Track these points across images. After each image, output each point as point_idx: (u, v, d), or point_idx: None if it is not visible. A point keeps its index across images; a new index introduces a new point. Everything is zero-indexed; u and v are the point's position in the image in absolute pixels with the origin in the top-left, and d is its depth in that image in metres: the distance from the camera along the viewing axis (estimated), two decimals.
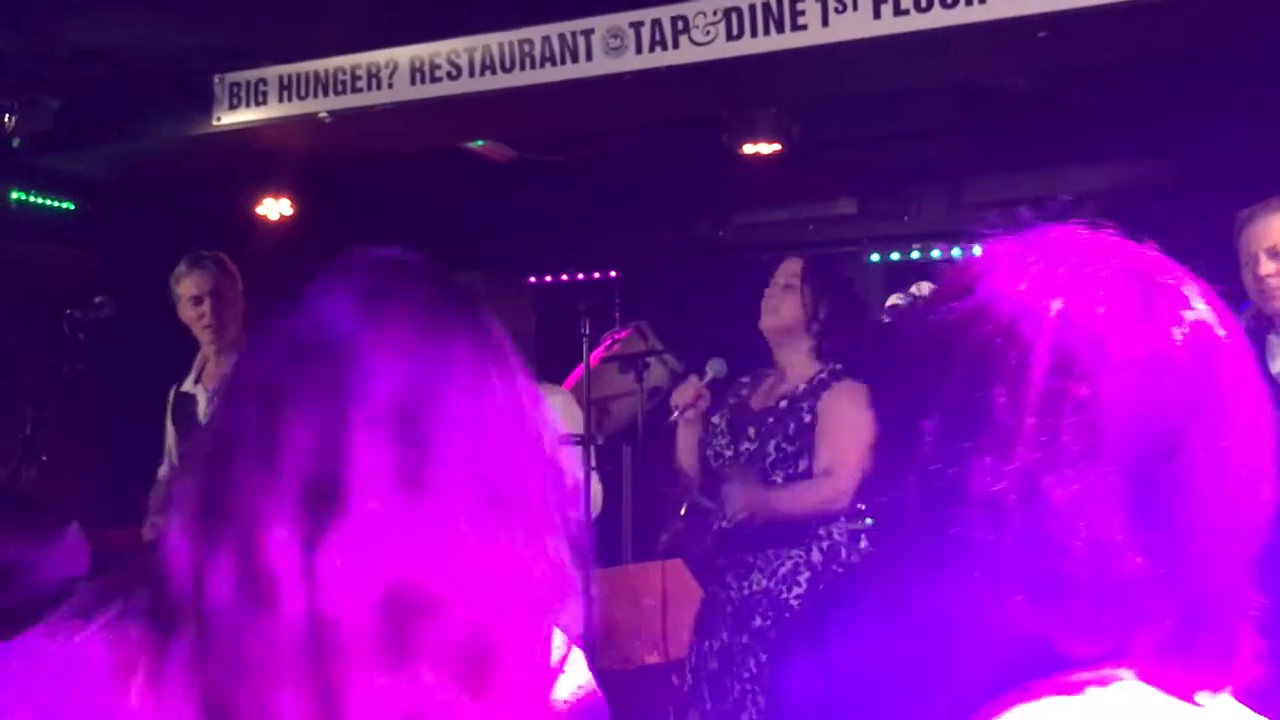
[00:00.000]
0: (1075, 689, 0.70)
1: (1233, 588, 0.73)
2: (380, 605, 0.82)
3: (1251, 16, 3.46)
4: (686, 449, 3.28)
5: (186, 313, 3.88)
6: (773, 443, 3.11)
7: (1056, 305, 0.74)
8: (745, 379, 3.36)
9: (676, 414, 3.21)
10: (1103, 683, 0.70)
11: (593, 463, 3.72)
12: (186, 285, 3.86)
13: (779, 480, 3.10)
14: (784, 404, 3.18)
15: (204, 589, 0.82)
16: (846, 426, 3.06)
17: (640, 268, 6.91)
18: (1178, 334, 0.73)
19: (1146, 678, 0.71)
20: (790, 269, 3.23)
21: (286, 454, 0.84)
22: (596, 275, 6.98)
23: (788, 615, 3.05)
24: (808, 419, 3.11)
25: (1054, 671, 0.71)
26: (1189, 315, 0.74)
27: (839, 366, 3.17)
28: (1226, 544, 0.72)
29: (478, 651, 0.84)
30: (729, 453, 3.21)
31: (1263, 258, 2.91)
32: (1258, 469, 0.73)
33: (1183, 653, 0.71)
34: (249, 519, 0.83)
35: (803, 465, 3.11)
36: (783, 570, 3.09)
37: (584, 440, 3.31)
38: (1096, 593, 0.70)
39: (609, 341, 6.21)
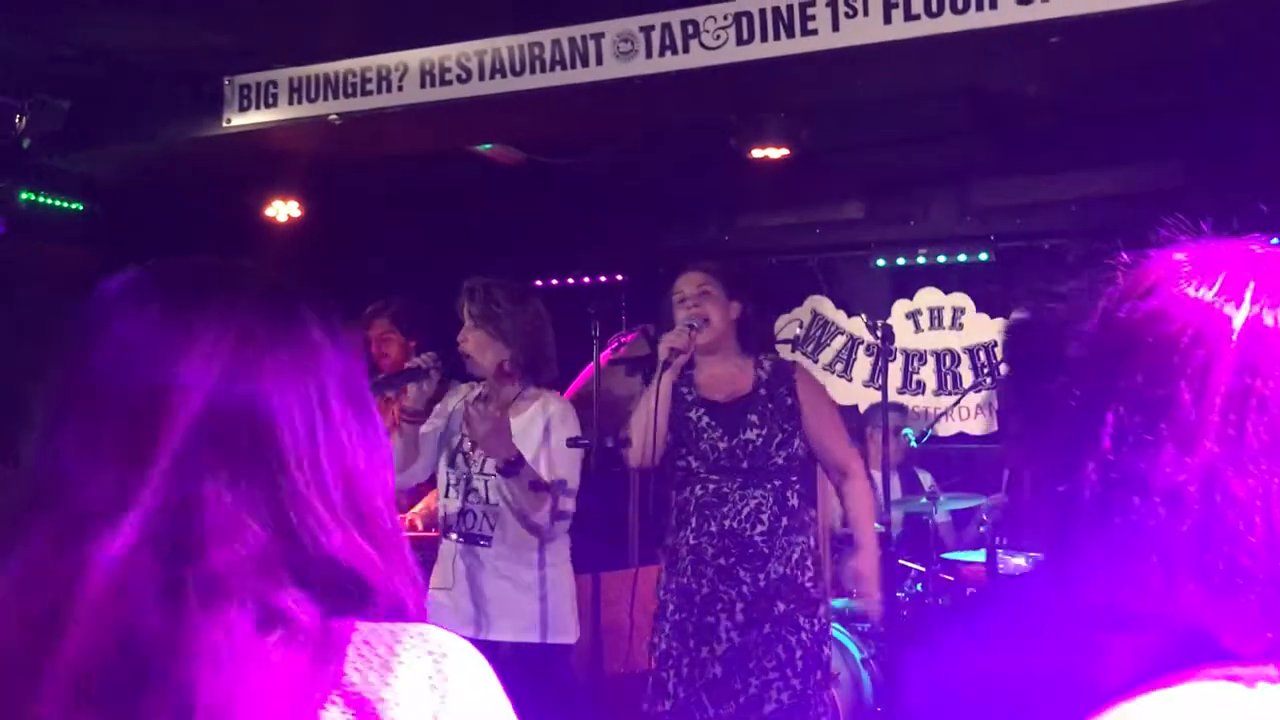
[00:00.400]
0: (1243, 681, 0.72)
1: None
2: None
3: (1261, 20, 3.46)
4: (664, 405, 3.28)
5: None
6: (777, 426, 3.31)
7: (1245, 309, 0.77)
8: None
9: (668, 358, 3.22)
10: (1271, 680, 0.73)
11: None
12: None
13: (780, 461, 3.29)
14: (762, 391, 3.36)
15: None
16: (829, 413, 3.47)
17: (647, 271, 6.90)
18: None
19: None
20: (696, 280, 3.35)
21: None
22: (603, 279, 6.98)
23: (805, 598, 3.24)
24: (790, 402, 3.34)
25: (1213, 663, 0.73)
26: None
27: (775, 354, 3.41)
28: None
29: None
30: (724, 444, 3.28)
31: None
32: None
33: None
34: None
35: (796, 444, 3.34)
36: (795, 556, 3.26)
37: (590, 443, 3.30)
38: (1268, 586, 0.72)
39: (615, 344, 6.23)
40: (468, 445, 3.45)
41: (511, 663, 3.39)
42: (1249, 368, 0.75)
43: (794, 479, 3.34)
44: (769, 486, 3.28)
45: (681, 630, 3.24)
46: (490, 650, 3.57)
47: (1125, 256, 0.88)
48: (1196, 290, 0.79)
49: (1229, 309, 0.77)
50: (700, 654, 3.20)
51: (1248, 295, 0.78)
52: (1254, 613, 0.73)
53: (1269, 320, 0.77)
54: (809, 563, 3.30)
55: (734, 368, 3.41)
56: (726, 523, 3.24)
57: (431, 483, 3.68)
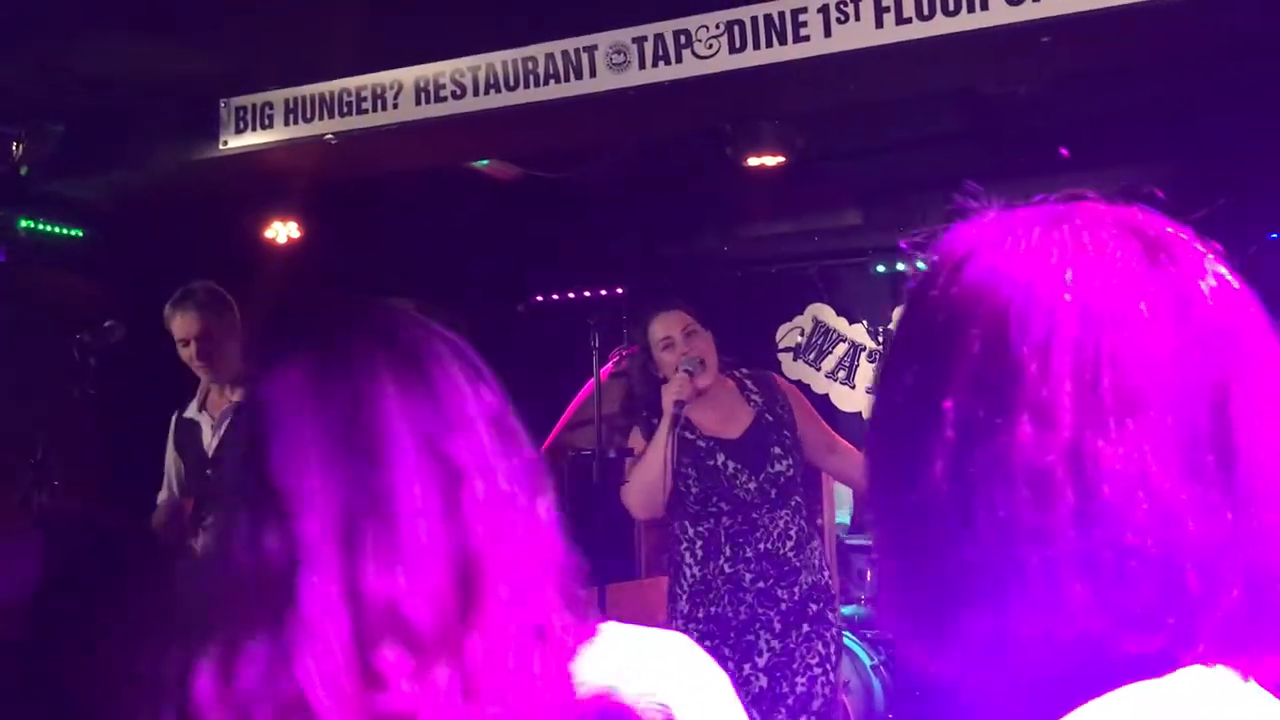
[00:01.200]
0: (1150, 677, 0.65)
1: None
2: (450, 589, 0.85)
3: (1258, 16, 3.46)
4: (671, 457, 3.24)
5: (179, 351, 3.87)
6: (798, 453, 3.37)
7: (1070, 261, 0.70)
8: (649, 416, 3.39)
9: (676, 411, 3.21)
10: (1176, 670, 0.65)
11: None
12: (174, 327, 3.85)
13: (799, 479, 3.36)
14: (769, 417, 3.37)
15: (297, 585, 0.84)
16: (809, 407, 3.55)
17: (647, 283, 6.91)
18: (1202, 283, 0.70)
19: (1221, 661, 0.66)
20: (679, 321, 3.33)
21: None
22: (603, 292, 6.99)
23: (829, 595, 3.36)
24: (788, 418, 3.41)
25: (1122, 669, 0.65)
26: (1207, 264, 0.71)
27: (742, 367, 3.49)
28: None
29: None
30: (753, 483, 3.28)
31: None
32: None
33: (1257, 630, 0.66)
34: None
35: (801, 453, 3.43)
36: (816, 561, 3.35)
37: (591, 454, 3.31)
38: (1165, 564, 0.64)
39: (617, 357, 6.22)
40: None
41: None
42: (1092, 321, 0.67)
43: (803, 488, 3.41)
44: (793, 503, 3.33)
45: (718, 654, 3.22)
46: None
47: (918, 238, 0.79)
48: (1016, 251, 0.72)
49: (1054, 263, 0.70)
50: (743, 671, 3.22)
51: (1068, 246, 0.71)
52: (1152, 601, 0.64)
53: (1099, 267, 0.69)
54: (825, 563, 3.41)
55: (726, 397, 3.41)
56: (762, 546, 3.27)
57: None
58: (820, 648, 3.26)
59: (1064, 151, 5.22)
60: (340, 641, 0.81)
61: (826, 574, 3.39)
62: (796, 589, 3.27)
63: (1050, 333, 0.68)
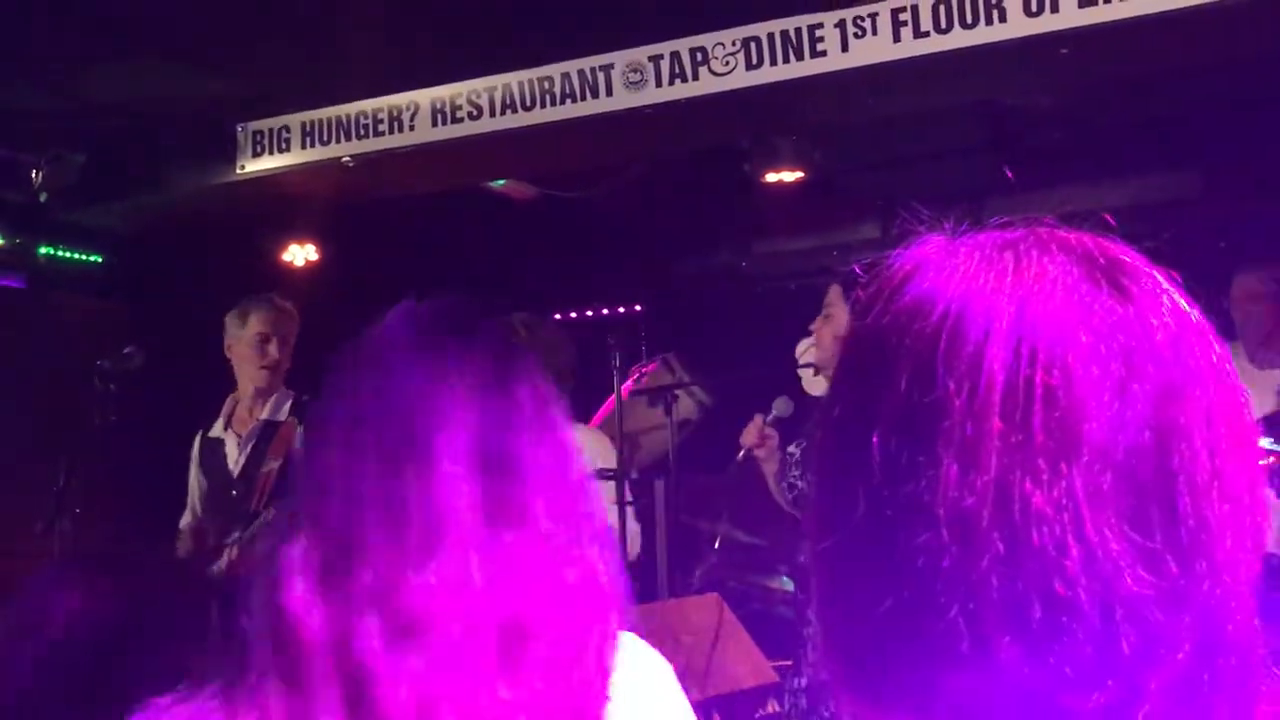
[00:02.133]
0: None
1: (1245, 607, 0.62)
2: (497, 630, 0.89)
3: (1274, 23, 3.43)
4: (774, 488, 3.27)
5: (243, 350, 3.89)
6: None
7: (1008, 289, 0.64)
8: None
9: (741, 454, 3.19)
10: None
11: (629, 497, 3.72)
12: (254, 323, 3.89)
13: None
14: None
15: (351, 649, 0.86)
16: None
17: (665, 300, 6.90)
18: (1155, 317, 0.63)
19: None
20: (831, 296, 3.22)
21: (402, 509, 0.90)
22: (621, 310, 6.97)
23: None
24: None
25: None
26: (1162, 297, 0.65)
27: None
28: (1234, 552, 0.61)
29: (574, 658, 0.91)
30: (803, 484, 3.20)
31: None
32: (1248, 464, 0.63)
33: (1202, 687, 0.60)
34: (380, 575, 0.88)
35: None
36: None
37: (618, 475, 3.28)
38: (1100, 619, 0.58)
39: (636, 375, 6.20)
40: None
41: None
42: (1025, 356, 0.61)
43: None
44: None
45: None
46: None
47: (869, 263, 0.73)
48: (952, 278, 0.66)
49: (991, 289, 0.64)
50: (791, 686, 3.18)
51: (1009, 272, 0.65)
52: (1087, 659, 0.58)
53: (1039, 296, 0.63)
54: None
55: None
56: None
57: None
58: None
59: (1009, 173, 5.19)
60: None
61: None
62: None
63: (978, 365, 0.62)
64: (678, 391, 4.76)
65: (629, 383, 5.89)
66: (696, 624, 4.20)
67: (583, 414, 5.53)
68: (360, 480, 0.92)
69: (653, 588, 5.23)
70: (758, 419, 3.20)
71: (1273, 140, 5.10)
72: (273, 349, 3.87)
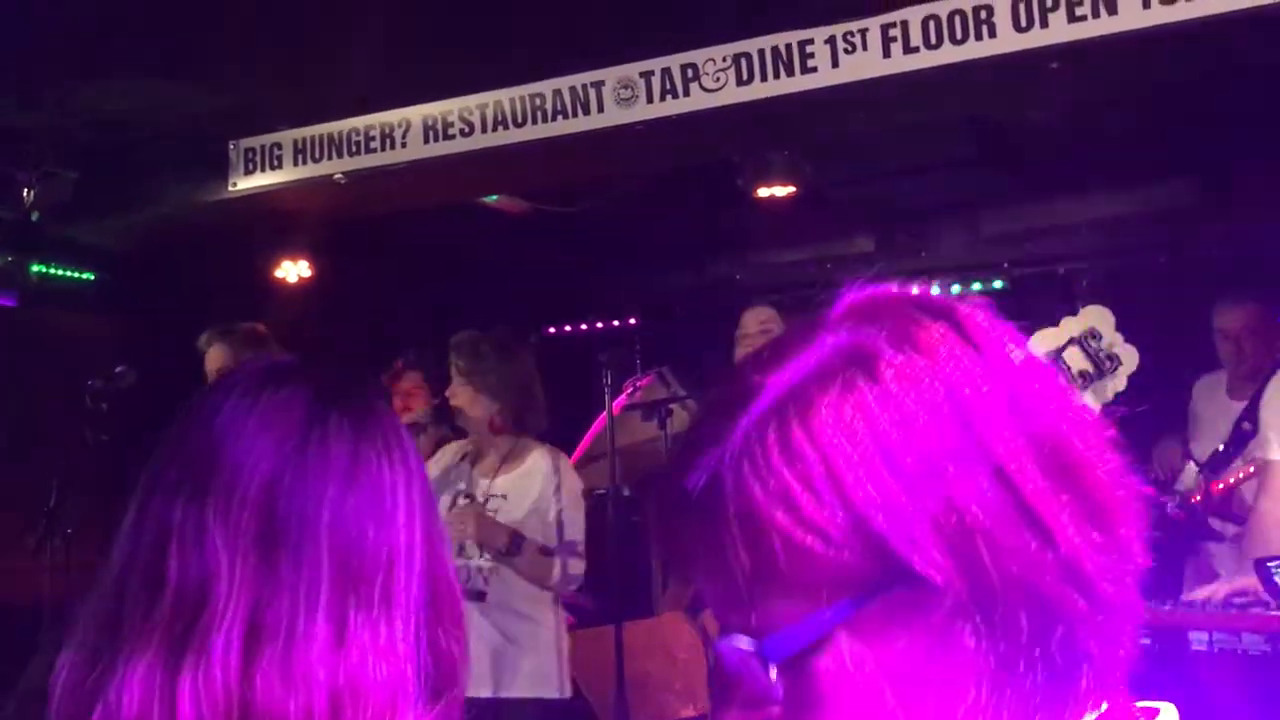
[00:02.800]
0: None
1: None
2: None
3: (1267, 36, 3.44)
4: None
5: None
6: None
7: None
8: None
9: None
10: None
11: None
12: (211, 357, 3.87)
13: None
14: None
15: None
16: None
17: (659, 313, 6.90)
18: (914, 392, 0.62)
19: None
20: (760, 316, 3.20)
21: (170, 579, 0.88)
22: (616, 323, 6.97)
23: None
24: None
25: None
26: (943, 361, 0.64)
27: None
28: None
29: None
30: None
31: None
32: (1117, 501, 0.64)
33: None
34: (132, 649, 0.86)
35: None
36: None
37: (605, 493, 3.27)
38: None
39: (630, 389, 6.19)
40: (461, 498, 3.46)
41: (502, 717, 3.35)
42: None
43: None
44: None
45: None
46: (488, 707, 3.43)
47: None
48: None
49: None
50: None
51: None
52: None
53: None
54: None
55: None
56: None
57: None
58: None
59: None
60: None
61: None
62: None
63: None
64: (672, 405, 4.74)
65: (623, 397, 5.88)
66: (691, 640, 4.19)
67: (576, 429, 5.52)
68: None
69: (648, 604, 5.22)
70: None
71: (1265, 148, 5.12)
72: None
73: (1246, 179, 5.33)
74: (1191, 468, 4.39)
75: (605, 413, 5.23)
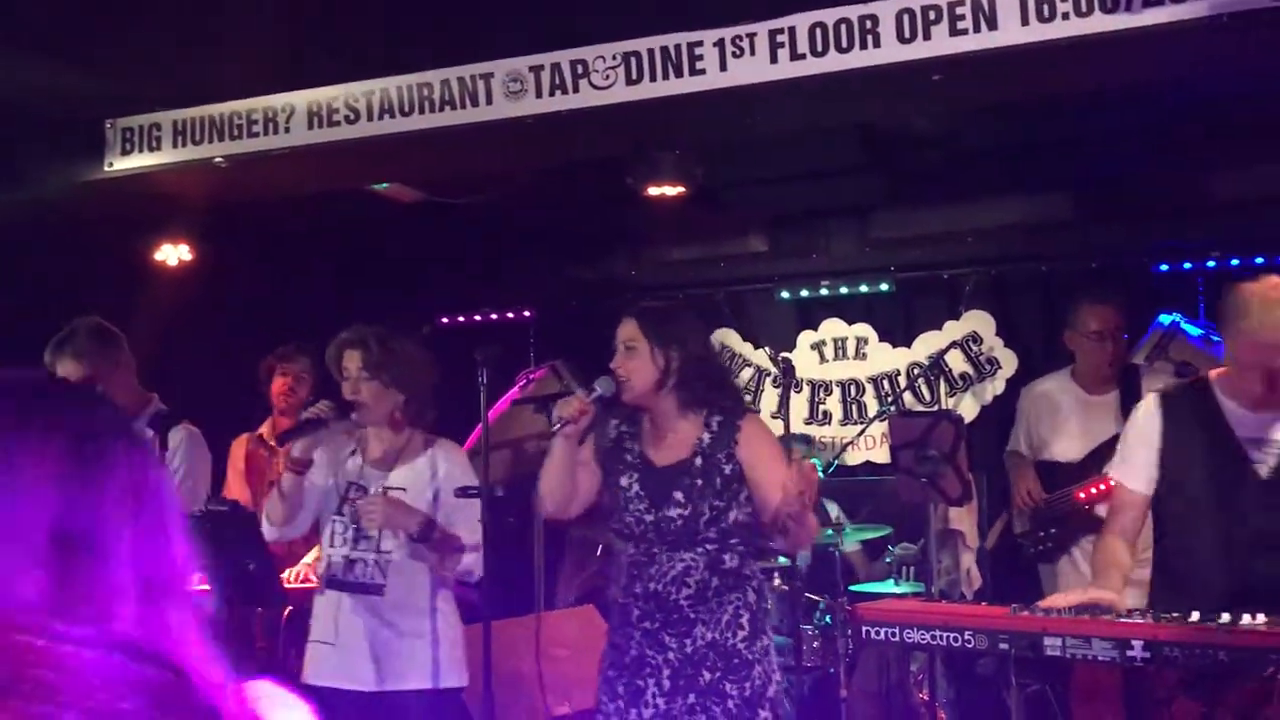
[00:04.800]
0: None
1: None
2: None
3: (1142, 57, 3.54)
4: (559, 467, 3.14)
5: None
6: (705, 504, 3.08)
7: None
8: (618, 423, 3.26)
9: (558, 427, 3.10)
10: None
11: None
12: (63, 369, 3.72)
13: (711, 534, 3.08)
14: (699, 461, 3.12)
15: None
16: (774, 460, 3.14)
17: (555, 307, 6.88)
18: None
19: None
20: (626, 332, 3.17)
21: None
22: (511, 315, 6.93)
23: (736, 661, 3.04)
24: (729, 469, 3.10)
25: None
26: None
27: (719, 408, 3.18)
28: None
29: None
30: (650, 517, 3.10)
31: None
32: None
33: None
34: None
35: (733, 516, 3.10)
36: (725, 618, 3.07)
37: (479, 492, 3.25)
38: None
39: (524, 381, 6.16)
40: (354, 492, 3.42)
41: (415, 712, 3.36)
42: None
43: (733, 540, 3.12)
44: (701, 550, 3.08)
45: (612, 688, 3.13)
46: (392, 701, 3.45)
47: None
48: None
49: None
50: (628, 715, 3.09)
51: None
52: None
53: None
54: (743, 621, 3.08)
55: (682, 426, 3.18)
56: (651, 585, 3.08)
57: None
58: None
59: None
60: None
61: (739, 638, 3.06)
62: (688, 643, 3.04)
63: None
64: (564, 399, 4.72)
65: (515, 390, 5.85)
66: (570, 636, 4.18)
67: (468, 422, 5.48)
68: None
69: (528, 599, 5.20)
70: (579, 393, 3.15)
71: (1143, 164, 5.29)
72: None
73: (1119, 193, 5.50)
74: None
75: (493, 409, 5.21)
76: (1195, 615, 2.68)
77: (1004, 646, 2.84)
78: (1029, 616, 2.88)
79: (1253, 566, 2.93)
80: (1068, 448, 4.59)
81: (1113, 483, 3.24)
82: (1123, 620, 2.74)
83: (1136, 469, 3.10)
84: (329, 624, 3.37)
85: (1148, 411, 3.13)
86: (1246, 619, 2.59)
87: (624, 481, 3.17)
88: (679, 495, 3.09)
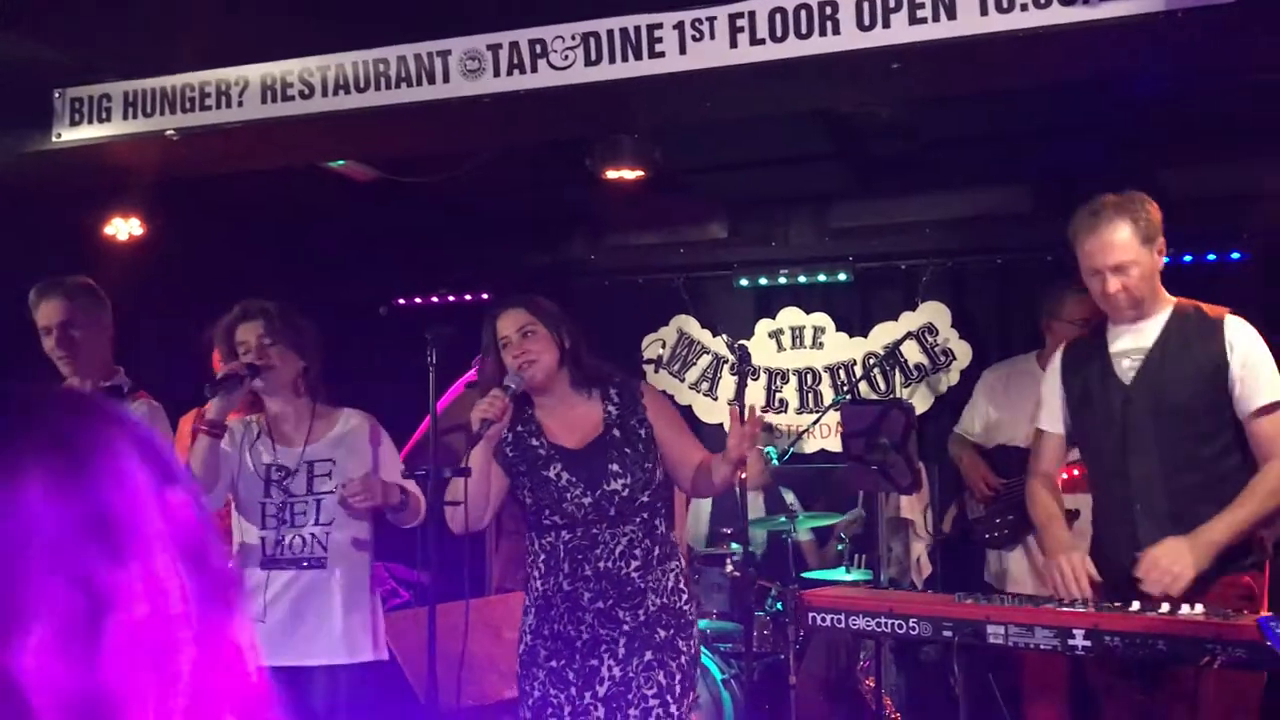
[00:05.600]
0: None
1: None
2: None
3: (1099, 51, 3.56)
4: (479, 476, 3.15)
5: (43, 341, 3.72)
6: (640, 469, 3.19)
7: None
8: (508, 425, 3.27)
9: (479, 429, 3.08)
10: None
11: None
12: (38, 314, 3.74)
13: (646, 499, 3.20)
14: (616, 432, 3.23)
15: None
16: (680, 426, 3.42)
17: (512, 290, 6.83)
18: None
19: None
20: (517, 320, 3.22)
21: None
22: (468, 297, 6.89)
23: (683, 621, 3.21)
24: (644, 433, 3.25)
25: None
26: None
27: (613, 381, 3.32)
28: None
29: None
30: (589, 499, 3.15)
31: (1108, 276, 3.05)
32: None
33: None
34: None
35: (658, 476, 3.28)
36: (670, 584, 3.21)
37: (426, 473, 3.23)
38: None
39: (479, 365, 6.12)
40: (277, 473, 3.48)
41: (349, 683, 3.41)
42: None
43: (659, 505, 3.27)
44: (638, 520, 3.19)
45: (561, 678, 3.15)
46: (315, 675, 3.48)
47: None
48: None
49: None
50: (584, 699, 3.11)
51: None
52: None
53: None
54: (682, 585, 3.26)
55: (581, 405, 3.29)
56: (601, 564, 3.14)
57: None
58: (662, 678, 3.12)
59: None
60: None
61: (682, 600, 3.24)
62: (641, 611, 3.13)
63: None
64: None
65: (471, 373, 5.81)
66: (519, 620, 4.14)
67: (423, 405, 5.45)
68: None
69: (480, 583, 5.18)
70: (497, 392, 3.15)
71: (1096, 157, 5.33)
72: (53, 342, 3.67)
73: (1076, 187, 5.53)
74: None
75: (448, 392, 5.16)
76: (1136, 605, 2.71)
77: (948, 634, 2.87)
78: (973, 605, 2.91)
79: (1129, 466, 3.10)
80: (1029, 432, 4.59)
81: (1040, 430, 3.43)
82: (1065, 609, 2.76)
83: (1050, 412, 3.36)
84: (258, 601, 3.38)
85: (1054, 361, 3.41)
86: (1185, 609, 2.62)
87: (550, 473, 3.20)
88: (615, 467, 3.17)
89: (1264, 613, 2.73)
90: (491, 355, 3.27)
